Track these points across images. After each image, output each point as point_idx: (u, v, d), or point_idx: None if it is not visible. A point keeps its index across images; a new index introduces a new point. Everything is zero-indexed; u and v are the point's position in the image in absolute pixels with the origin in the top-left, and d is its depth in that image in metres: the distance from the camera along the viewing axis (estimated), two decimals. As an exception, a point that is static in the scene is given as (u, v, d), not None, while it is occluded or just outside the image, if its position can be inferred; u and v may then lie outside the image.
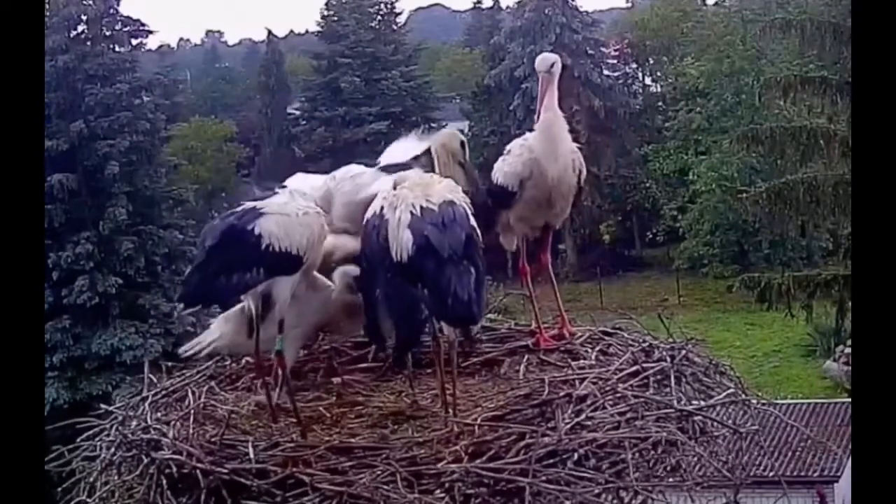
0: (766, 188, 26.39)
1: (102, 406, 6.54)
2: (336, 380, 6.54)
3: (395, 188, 5.96)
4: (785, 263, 42.02)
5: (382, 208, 5.83)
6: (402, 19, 61.71)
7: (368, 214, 5.95)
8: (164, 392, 6.54)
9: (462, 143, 6.35)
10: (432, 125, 54.30)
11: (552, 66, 6.60)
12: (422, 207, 5.69)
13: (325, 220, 6.10)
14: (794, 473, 24.69)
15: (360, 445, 5.63)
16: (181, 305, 5.90)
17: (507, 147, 6.84)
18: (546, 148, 6.57)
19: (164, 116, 41.08)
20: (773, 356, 39.80)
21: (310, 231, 5.91)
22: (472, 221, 5.76)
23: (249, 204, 5.92)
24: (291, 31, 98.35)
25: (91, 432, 6.29)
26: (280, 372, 6.07)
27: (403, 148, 6.98)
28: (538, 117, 6.60)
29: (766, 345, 40.62)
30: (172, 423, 6.06)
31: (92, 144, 36.80)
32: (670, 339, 6.55)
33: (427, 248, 5.56)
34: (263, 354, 6.11)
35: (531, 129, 6.76)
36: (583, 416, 5.70)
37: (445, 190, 5.85)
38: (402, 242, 5.63)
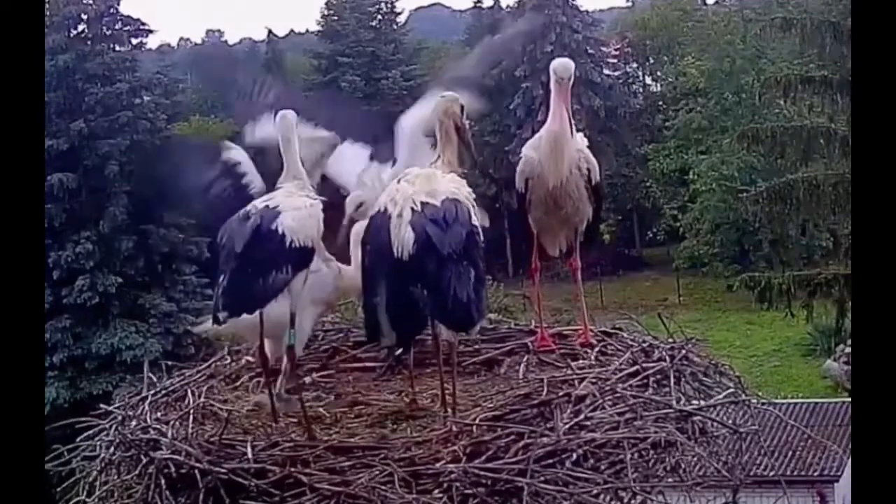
0: (766, 187, 26.41)
1: (102, 406, 6.54)
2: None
3: (398, 181, 5.91)
4: (785, 263, 42.01)
5: (386, 207, 5.77)
6: (402, 19, 61.78)
7: (373, 211, 5.91)
8: (163, 392, 6.54)
9: (462, 107, 6.25)
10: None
11: (570, 75, 6.58)
12: (423, 203, 5.64)
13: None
14: (794, 473, 24.68)
15: (358, 445, 5.63)
16: (225, 313, 5.74)
17: (528, 142, 6.86)
18: (548, 153, 6.58)
19: (164, 116, 41.06)
20: (774, 356, 39.81)
21: (317, 221, 5.97)
22: (475, 219, 5.70)
23: (259, 203, 5.92)
24: (292, 31, 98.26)
25: (90, 432, 6.29)
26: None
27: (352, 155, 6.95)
28: (555, 121, 6.54)
29: (766, 344, 40.63)
30: (171, 422, 6.06)
31: (92, 144, 36.81)
32: (670, 339, 6.54)
33: (428, 246, 5.51)
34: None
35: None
36: (582, 417, 5.69)
37: (450, 185, 5.78)
38: (403, 240, 5.58)
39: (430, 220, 5.56)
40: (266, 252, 5.73)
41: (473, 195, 5.86)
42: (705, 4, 60.97)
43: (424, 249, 5.52)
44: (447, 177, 5.89)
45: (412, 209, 5.63)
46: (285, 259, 5.76)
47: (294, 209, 5.87)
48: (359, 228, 6.35)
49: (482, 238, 5.73)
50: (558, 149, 6.56)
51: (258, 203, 5.94)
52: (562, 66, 6.63)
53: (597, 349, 6.58)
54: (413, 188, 5.74)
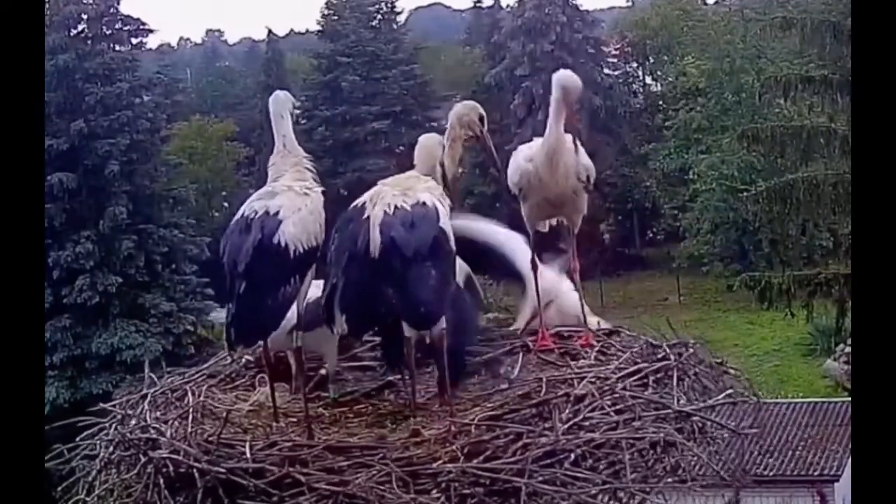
0: (766, 187, 26.42)
1: (102, 405, 6.53)
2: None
3: (379, 184, 6.00)
4: (785, 262, 42.02)
5: (364, 204, 5.88)
6: (402, 18, 61.88)
7: (357, 202, 6.03)
8: (163, 391, 6.53)
9: (481, 117, 6.19)
10: (433, 124, 54.63)
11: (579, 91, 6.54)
12: (395, 207, 5.71)
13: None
14: (794, 473, 24.71)
15: (356, 445, 5.62)
16: (241, 346, 5.72)
17: (519, 149, 6.84)
18: (545, 167, 6.57)
19: (164, 115, 41.15)
20: (774, 355, 39.79)
21: (319, 215, 5.82)
22: (444, 222, 5.73)
23: (258, 205, 5.74)
24: (292, 30, 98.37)
25: (90, 431, 6.28)
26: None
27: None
28: (551, 135, 6.50)
29: (766, 344, 40.63)
30: (171, 421, 6.05)
31: (92, 143, 36.83)
32: (672, 339, 6.54)
33: (392, 247, 5.61)
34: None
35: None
36: (580, 417, 5.69)
37: (423, 190, 5.83)
38: (374, 240, 5.68)
39: (399, 224, 5.65)
40: (271, 269, 5.56)
41: (449, 202, 5.89)
42: (705, 4, 61.03)
43: (390, 251, 5.62)
44: (423, 183, 5.94)
45: (384, 212, 5.71)
46: (291, 271, 5.61)
47: (294, 211, 5.69)
48: None
49: (451, 242, 5.75)
50: (555, 163, 6.57)
51: (257, 205, 5.75)
52: (572, 81, 6.51)
53: (597, 349, 6.58)
54: (392, 192, 5.82)
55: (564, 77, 6.55)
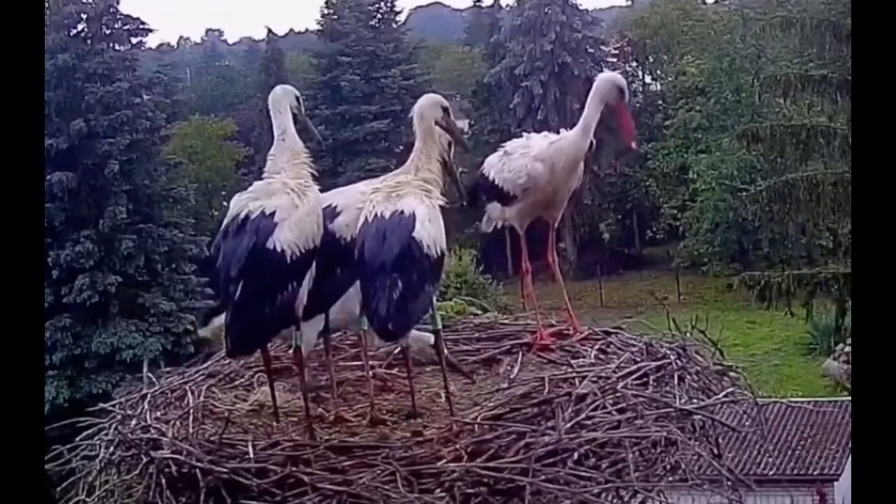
0: (766, 186, 26.44)
1: (101, 405, 6.52)
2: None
3: (374, 187, 5.99)
4: (785, 262, 42.03)
5: (336, 205, 5.98)
6: (401, 17, 61.92)
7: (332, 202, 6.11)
8: (163, 391, 6.52)
9: (445, 108, 6.05)
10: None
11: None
12: (376, 215, 5.67)
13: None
14: (794, 472, 24.71)
15: (359, 444, 5.62)
16: (240, 355, 5.70)
17: (507, 147, 6.80)
18: (566, 168, 6.58)
19: (163, 115, 41.06)
20: (773, 355, 39.80)
21: (316, 215, 5.75)
22: (419, 231, 5.61)
23: (253, 205, 5.63)
24: (291, 30, 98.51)
25: (90, 431, 6.27)
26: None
27: None
28: (584, 138, 6.50)
29: (766, 343, 40.65)
30: (172, 422, 6.04)
31: (92, 143, 36.79)
32: (673, 338, 6.55)
33: (361, 259, 5.61)
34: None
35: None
36: (583, 416, 5.69)
37: (409, 195, 5.73)
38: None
39: (371, 234, 5.62)
40: (266, 275, 5.48)
41: (439, 202, 5.82)
42: (705, 3, 61.13)
43: (360, 262, 5.61)
44: (415, 185, 5.83)
45: (366, 218, 5.69)
46: (288, 276, 5.51)
47: (291, 212, 5.58)
48: None
49: (426, 249, 5.62)
50: (574, 166, 6.59)
51: (252, 205, 5.62)
52: (624, 82, 6.54)
53: (597, 347, 6.59)
54: (380, 196, 5.77)
55: (619, 79, 6.57)
